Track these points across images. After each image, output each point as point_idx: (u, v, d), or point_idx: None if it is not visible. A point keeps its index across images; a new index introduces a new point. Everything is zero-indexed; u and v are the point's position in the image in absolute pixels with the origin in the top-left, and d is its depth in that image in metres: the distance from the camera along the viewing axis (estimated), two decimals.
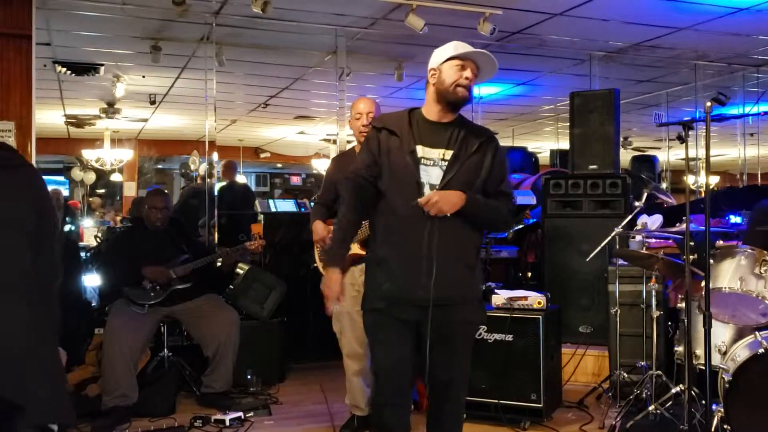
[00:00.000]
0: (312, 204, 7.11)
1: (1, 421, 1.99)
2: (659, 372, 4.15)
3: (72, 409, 2.19)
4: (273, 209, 6.99)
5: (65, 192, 14.78)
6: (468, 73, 2.68)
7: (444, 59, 2.71)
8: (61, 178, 15.60)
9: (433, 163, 2.70)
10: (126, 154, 11.80)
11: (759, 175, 10.59)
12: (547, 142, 13.11)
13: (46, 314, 2.12)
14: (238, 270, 5.39)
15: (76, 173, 14.14)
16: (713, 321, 3.23)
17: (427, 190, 2.67)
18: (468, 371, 2.89)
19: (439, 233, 2.62)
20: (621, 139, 6.79)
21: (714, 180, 13.60)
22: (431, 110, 2.77)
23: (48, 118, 10.60)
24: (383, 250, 2.76)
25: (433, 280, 2.61)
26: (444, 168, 2.69)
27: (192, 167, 9.77)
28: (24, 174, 2.26)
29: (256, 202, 8.36)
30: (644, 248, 4.50)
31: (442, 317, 2.68)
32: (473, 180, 2.71)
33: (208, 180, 6.90)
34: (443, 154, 2.71)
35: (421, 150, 2.71)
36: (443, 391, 2.82)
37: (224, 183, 8.65)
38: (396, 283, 2.72)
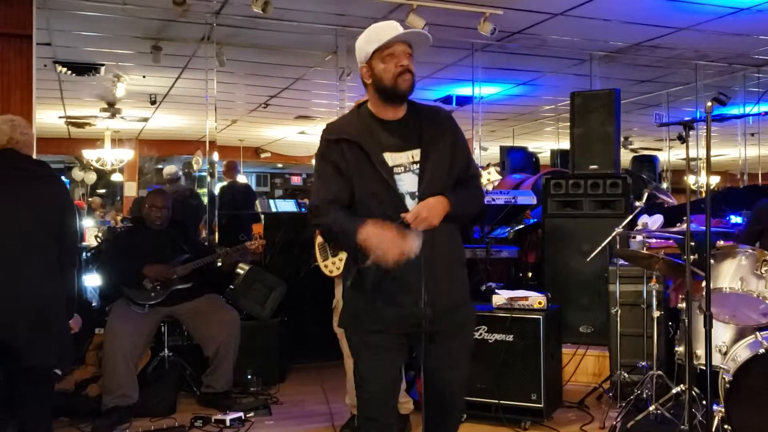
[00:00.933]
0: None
1: (30, 357, 3.13)
2: (660, 372, 4.15)
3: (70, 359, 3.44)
4: (273, 209, 7.00)
5: None
6: (403, 59, 2.39)
7: (370, 54, 2.42)
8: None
9: (404, 169, 2.44)
10: (126, 154, 11.81)
11: (760, 175, 10.58)
12: (547, 142, 13.11)
13: (67, 289, 3.30)
14: (238, 270, 5.39)
15: (77, 173, 14.14)
16: (714, 321, 3.23)
17: (408, 200, 2.41)
18: (466, 375, 2.68)
19: (432, 244, 2.37)
20: (621, 139, 6.78)
21: (714, 180, 13.60)
22: (381, 110, 2.49)
23: (48, 117, 10.60)
24: (376, 272, 2.37)
25: (426, 297, 2.37)
26: (417, 172, 2.43)
27: (195, 167, 9.76)
28: (54, 183, 3.34)
29: (257, 202, 8.38)
30: (645, 248, 4.49)
31: (437, 326, 2.46)
32: (446, 175, 2.46)
33: (208, 180, 6.91)
34: (412, 156, 2.45)
35: (389, 158, 2.43)
36: (441, 398, 2.61)
37: (225, 183, 8.65)
38: (396, 306, 2.44)
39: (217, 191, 7.53)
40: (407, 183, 2.43)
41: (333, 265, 3.95)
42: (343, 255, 3.88)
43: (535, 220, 6.15)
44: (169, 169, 9.25)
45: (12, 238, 3.16)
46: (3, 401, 3.44)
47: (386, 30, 2.40)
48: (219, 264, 4.94)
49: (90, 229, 9.63)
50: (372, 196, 2.41)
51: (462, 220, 2.63)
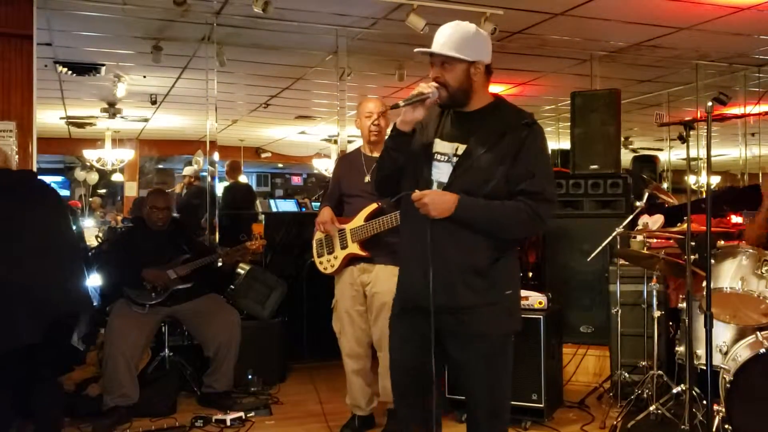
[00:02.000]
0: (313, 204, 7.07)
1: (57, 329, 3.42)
2: (660, 372, 4.16)
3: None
4: (274, 209, 6.99)
5: (65, 193, 14.81)
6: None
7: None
8: (59, 179, 15.63)
9: (446, 159, 2.47)
10: (127, 154, 11.80)
11: (760, 175, 10.56)
12: (548, 142, 13.09)
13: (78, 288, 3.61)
14: (239, 270, 5.39)
15: (79, 173, 14.15)
16: (714, 321, 3.23)
17: (435, 187, 2.45)
18: (499, 392, 2.59)
19: (438, 235, 2.39)
20: (622, 139, 6.78)
21: (715, 180, 13.58)
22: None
23: (49, 118, 10.60)
24: (400, 252, 2.64)
25: (431, 285, 2.37)
26: (454, 164, 2.44)
27: (196, 167, 9.76)
28: (51, 192, 3.61)
29: (257, 201, 8.38)
30: (645, 248, 4.49)
31: (454, 327, 2.46)
32: (487, 181, 2.40)
33: (209, 180, 6.90)
34: (456, 149, 2.46)
35: (438, 144, 2.50)
36: (469, 410, 2.62)
37: (227, 183, 8.65)
38: (404, 287, 2.57)
39: (220, 191, 7.55)
40: (442, 172, 2.47)
41: (328, 262, 3.96)
42: (339, 253, 3.89)
43: None
44: (190, 170, 9.27)
45: (22, 244, 3.33)
46: (8, 402, 3.48)
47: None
48: (220, 264, 4.95)
49: (90, 230, 9.65)
50: (411, 173, 2.51)
51: (481, 231, 2.42)
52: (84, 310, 3.68)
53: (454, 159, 2.46)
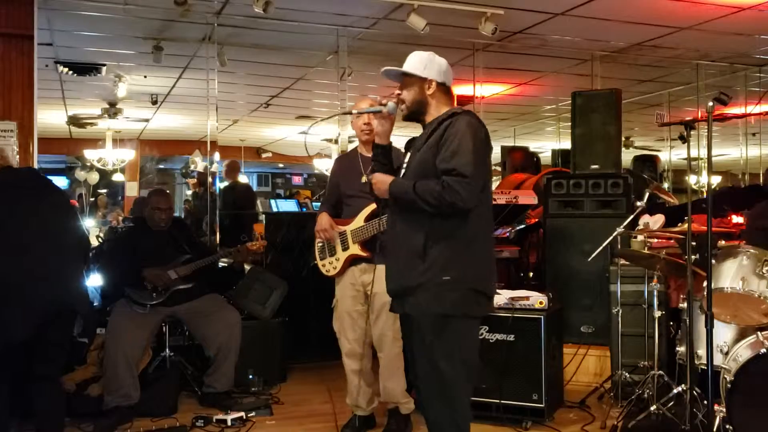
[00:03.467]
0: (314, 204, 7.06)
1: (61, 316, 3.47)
2: (661, 372, 4.15)
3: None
4: (274, 209, 6.99)
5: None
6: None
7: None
8: (62, 179, 15.63)
9: (407, 166, 2.89)
10: (128, 154, 11.79)
11: (761, 175, 10.55)
12: (548, 142, 13.09)
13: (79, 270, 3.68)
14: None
15: (79, 173, 14.15)
16: (715, 321, 3.23)
17: None
18: (437, 370, 2.67)
19: (392, 222, 2.86)
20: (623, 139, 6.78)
21: (716, 180, 13.58)
22: None
23: (50, 118, 10.61)
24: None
25: (386, 269, 2.86)
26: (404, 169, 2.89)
27: (192, 167, 9.77)
28: (56, 190, 3.72)
29: (258, 202, 8.37)
30: (646, 248, 4.49)
31: (398, 309, 2.85)
32: (425, 170, 2.73)
33: (209, 180, 6.90)
34: (408, 156, 2.92)
35: (406, 157, 2.94)
36: (418, 390, 2.95)
37: (227, 183, 8.66)
38: (386, 279, 2.91)
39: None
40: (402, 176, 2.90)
41: (330, 264, 3.96)
42: (341, 255, 3.90)
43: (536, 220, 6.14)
44: (203, 165, 9.24)
45: (36, 242, 3.40)
46: (8, 403, 3.49)
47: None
48: (230, 263, 4.97)
49: (91, 229, 9.65)
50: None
51: (411, 208, 2.72)
52: (82, 309, 3.68)
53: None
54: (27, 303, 3.31)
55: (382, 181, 2.82)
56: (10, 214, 3.36)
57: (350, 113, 2.88)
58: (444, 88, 2.87)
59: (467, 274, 2.69)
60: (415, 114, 2.87)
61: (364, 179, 3.77)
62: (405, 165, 2.90)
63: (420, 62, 2.86)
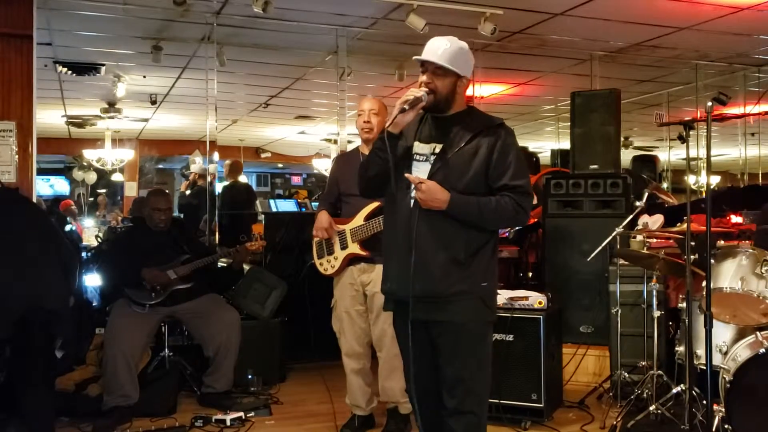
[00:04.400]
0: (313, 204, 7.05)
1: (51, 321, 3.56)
2: (660, 372, 4.16)
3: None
4: (273, 209, 6.99)
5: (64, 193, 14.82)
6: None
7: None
8: (60, 180, 15.63)
9: (424, 159, 2.70)
10: (127, 154, 11.79)
11: (760, 175, 10.56)
12: (548, 142, 13.10)
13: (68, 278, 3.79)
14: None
15: (77, 173, 14.15)
16: (714, 321, 3.23)
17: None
18: (472, 381, 2.66)
19: (421, 224, 2.60)
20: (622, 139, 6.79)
21: (715, 180, 13.58)
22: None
23: (49, 118, 10.60)
24: (384, 246, 2.84)
25: (412, 272, 2.57)
26: (432, 162, 2.67)
27: (202, 165, 9.76)
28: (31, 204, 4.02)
29: (257, 202, 8.37)
30: (645, 248, 4.50)
31: (429, 315, 2.63)
32: (462, 175, 2.62)
33: (208, 180, 6.90)
34: (434, 149, 2.69)
35: (417, 146, 2.73)
36: (440, 399, 2.70)
37: (227, 183, 8.66)
38: (391, 280, 2.74)
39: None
40: (420, 171, 2.67)
41: (328, 263, 3.96)
42: (339, 254, 3.89)
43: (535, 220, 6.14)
44: (197, 167, 9.23)
45: (21, 246, 3.54)
46: (4, 402, 3.49)
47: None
48: (228, 263, 4.96)
49: (90, 229, 9.65)
50: (397, 172, 2.66)
51: (470, 224, 2.63)
52: (58, 317, 3.63)
53: (432, 158, 2.68)
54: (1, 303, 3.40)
55: (436, 193, 2.57)
56: None
57: (405, 110, 2.63)
58: (467, 84, 2.79)
59: (496, 280, 2.76)
60: (440, 108, 2.71)
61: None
62: (420, 156, 2.70)
63: (462, 57, 2.68)
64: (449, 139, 2.67)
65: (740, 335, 3.71)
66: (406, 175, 2.60)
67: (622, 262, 4.69)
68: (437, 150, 2.68)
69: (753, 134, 9.76)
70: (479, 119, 2.73)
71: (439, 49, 2.65)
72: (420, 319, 2.64)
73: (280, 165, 17.37)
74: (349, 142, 7.51)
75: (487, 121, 2.72)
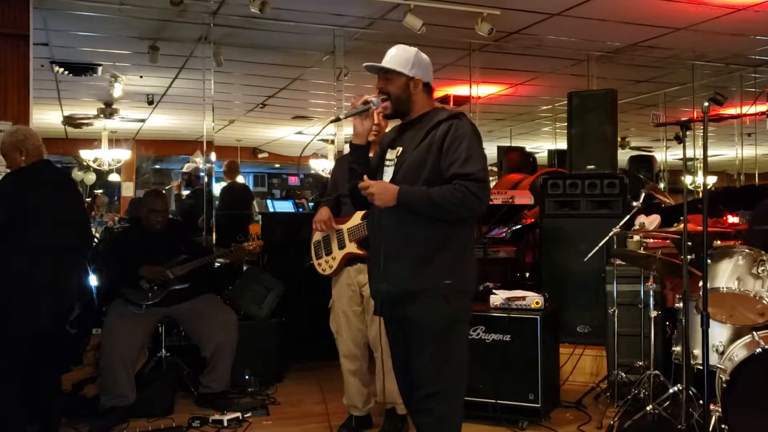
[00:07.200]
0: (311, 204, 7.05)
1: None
2: (657, 372, 4.16)
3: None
4: (271, 209, 6.98)
5: None
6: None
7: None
8: None
9: (392, 164, 2.81)
10: (124, 155, 11.78)
11: (756, 175, 10.59)
12: (545, 142, 13.11)
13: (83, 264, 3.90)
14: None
15: (76, 174, 14.11)
16: (711, 321, 3.24)
17: None
18: (442, 377, 2.70)
19: (389, 225, 2.71)
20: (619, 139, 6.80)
21: (711, 180, 13.61)
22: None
23: (46, 118, 10.58)
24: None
25: (381, 272, 2.71)
26: (393, 166, 2.79)
27: (195, 165, 9.73)
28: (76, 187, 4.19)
29: (254, 202, 8.35)
30: (642, 248, 4.50)
31: (396, 313, 2.75)
32: (420, 172, 2.68)
33: (206, 180, 6.90)
34: (397, 152, 2.81)
35: (388, 153, 2.86)
36: (413, 397, 2.81)
37: (224, 183, 8.65)
38: (370, 280, 2.90)
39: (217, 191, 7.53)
40: (388, 175, 2.81)
41: (326, 263, 3.96)
42: (337, 253, 3.89)
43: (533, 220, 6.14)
44: (190, 166, 9.20)
45: (64, 237, 3.68)
46: (23, 400, 3.53)
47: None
48: (227, 261, 4.96)
49: None
50: (372, 178, 2.80)
51: (427, 216, 2.66)
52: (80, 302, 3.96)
53: (394, 161, 2.81)
54: (47, 295, 3.55)
55: (386, 189, 2.66)
56: (44, 208, 3.63)
57: (339, 119, 2.83)
58: (428, 87, 2.85)
59: (465, 278, 2.77)
60: (400, 112, 2.82)
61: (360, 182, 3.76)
62: (388, 162, 2.82)
63: (406, 60, 2.78)
64: (408, 140, 2.79)
65: (737, 335, 3.71)
66: (358, 182, 2.73)
67: (619, 262, 4.69)
68: (399, 153, 2.80)
69: (749, 134, 9.77)
70: (438, 116, 2.77)
71: (387, 55, 2.81)
72: (391, 317, 2.81)
73: (277, 165, 17.37)
74: (347, 142, 7.50)
75: (441, 116, 2.76)
